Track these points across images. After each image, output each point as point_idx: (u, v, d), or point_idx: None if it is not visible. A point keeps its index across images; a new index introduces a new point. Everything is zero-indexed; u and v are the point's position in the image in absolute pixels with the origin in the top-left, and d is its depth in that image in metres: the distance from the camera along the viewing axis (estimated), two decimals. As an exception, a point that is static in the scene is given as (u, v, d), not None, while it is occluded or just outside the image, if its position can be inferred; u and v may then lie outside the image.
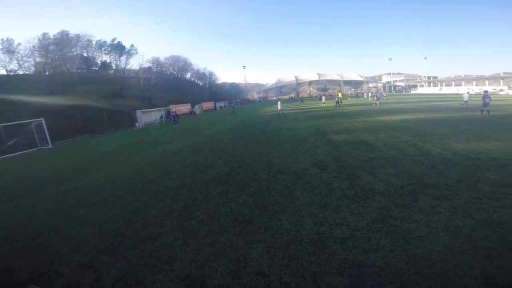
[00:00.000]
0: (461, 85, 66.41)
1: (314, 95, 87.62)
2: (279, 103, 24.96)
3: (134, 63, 59.30)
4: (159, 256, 3.53)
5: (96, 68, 61.72)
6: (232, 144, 11.63)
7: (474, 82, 66.08)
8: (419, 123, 13.35)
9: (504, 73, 62.69)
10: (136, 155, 12.15)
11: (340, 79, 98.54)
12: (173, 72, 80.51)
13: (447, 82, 73.02)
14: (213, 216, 4.58)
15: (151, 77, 59.87)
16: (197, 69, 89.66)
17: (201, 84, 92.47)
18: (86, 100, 37.76)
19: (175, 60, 79.40)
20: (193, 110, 47.39)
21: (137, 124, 31.90)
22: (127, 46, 64.55)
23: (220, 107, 67.24)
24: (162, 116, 35.78)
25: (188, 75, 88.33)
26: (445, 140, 8.98)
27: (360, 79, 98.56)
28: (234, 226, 4.12)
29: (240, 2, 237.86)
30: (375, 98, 32.25)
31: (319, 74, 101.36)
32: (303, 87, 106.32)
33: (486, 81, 63.49)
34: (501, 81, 60.53)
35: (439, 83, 76.52)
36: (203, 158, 9.53)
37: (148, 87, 57.31)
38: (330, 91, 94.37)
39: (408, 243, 3.23)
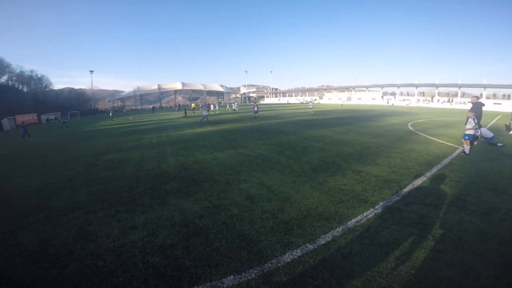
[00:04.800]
0: (292, 96, 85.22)
1: (182, 104, 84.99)
2: (205, 107, 27.21)
3: None
4: None
5: None
6: None
7: (299, 93, 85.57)
8: (208, 135, 14.37)
9: (318, 86, 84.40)
10: None
11: (204, 89, 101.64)
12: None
13: (286, 93, 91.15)
14: None
15: None
16: (21, 72, 67.11)
17: (26, 90, 69.87)
18: None
19: (-19, 58, 56.50)
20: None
21: None
22: None
23: (48, 119, 52.46)
24: None
25: (3, 79, 64.65)
26: (197, 151, 9.65)
27: (222, 90, 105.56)
28: None
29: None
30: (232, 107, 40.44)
31: (183, 84, 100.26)
32: (171, 96, 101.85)
33: (307, 93, 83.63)
34: (315, 92, 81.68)
35: (279, 94, 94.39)
36: None
37: None
38: (199, 100, 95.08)
39: None
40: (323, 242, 3.28)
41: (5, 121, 41.00)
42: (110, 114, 39.48)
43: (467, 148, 8.04)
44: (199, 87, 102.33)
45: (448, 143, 9.72)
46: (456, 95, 48.80)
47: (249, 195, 5.01)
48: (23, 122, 22.62)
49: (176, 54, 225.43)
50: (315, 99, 74.57)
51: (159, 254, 3.18)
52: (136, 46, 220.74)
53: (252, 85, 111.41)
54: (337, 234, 3.46)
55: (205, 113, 23.47)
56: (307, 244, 3.26)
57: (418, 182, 5.41)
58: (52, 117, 55.07)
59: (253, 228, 3.73)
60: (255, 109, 21.55)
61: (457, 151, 8.33)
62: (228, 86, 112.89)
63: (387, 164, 6.77)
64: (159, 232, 3.73)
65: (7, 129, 39.22)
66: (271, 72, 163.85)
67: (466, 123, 8.26)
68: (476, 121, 8.19)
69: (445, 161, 7.21)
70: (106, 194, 5.54)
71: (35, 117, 51.04)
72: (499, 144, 9.16)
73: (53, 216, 4.55)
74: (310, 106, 31.59)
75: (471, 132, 8.08)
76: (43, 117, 52.66)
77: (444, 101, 47.76)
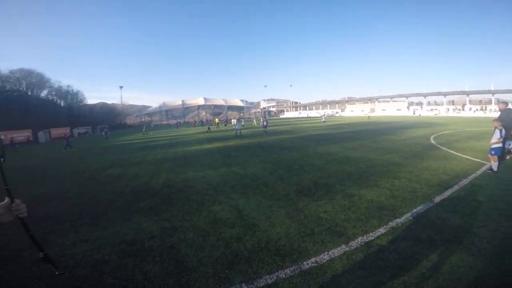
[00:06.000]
0: (312, 109, 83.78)
1: (204, 120, 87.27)
2: (234, 121, 28.72)
3: None
4: None
5: None
6: None
7: (320, 106, 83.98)
8: (212, 151, 14.24)
9: (340, 99, 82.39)
10: None
11: (225, 104, 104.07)
12: (21, 89, 63.30)
13: (308, 106, 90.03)
14: None
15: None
16: (59, 87, 73.86)
17: (63, 104, 76.40)
18: None
19: (26, 74, 63.41)
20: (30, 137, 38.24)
21: None
22: None
23: (79, 133, 56.22)
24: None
25: (44, 93, 71.35)
26: (192, 168, 9.39)
27: (242, 104, 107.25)
28: None
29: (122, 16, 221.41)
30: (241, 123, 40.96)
31: (205, 99, 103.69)
32: (195, 112, 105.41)
33: (328, 105, 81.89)
34: (337, 105, 79.61)
35: (299, 108, 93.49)
36: None
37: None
38: (221, 115, 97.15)
39: None
40: (261, 284, 2.69)
41: (40, 134, 44.57)
42: (144, 129, 44.26)
43: (494, 164, 6.79)
44: (221, 102, 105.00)
45: (474, 159, 8.40)
46: (489, 102, 44.58)
47: (215, 219, 4.54)
48: (65, 135, 24.87)
49: (199, 70, 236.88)
50: (336, 112, 72.60)
51: (88, 268, 3.22)
52: (162, 61, 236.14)
53: (272, 99, 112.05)
54: (283, 276, 2.80)
55: (237, 127, 24.06)
56: (243, 284, 2.73)
57: (420, 209, 4.46)
58: (83, 131, 59.00)
59: (198, 256, 3.35)
60: (265, 123, 21.85)
61: (483, 168, 7.09)
62: (249, 101, 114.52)
63: (389, 187, 5.82)
64: (104, 248, 3.73)
65: (42, 142, 42.56)
66: (291, 85, 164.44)
67: (493, 134, 7.05)
68: (503, 132, 6.92)
69: (465, 181, 6.08)
70: (85, 207, 5.70)
71: (68, 131, 55.06)
72: None
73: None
74: (323, 120, 31.11)
75: (499, 145, 6.84)
76: (75, 131, 56.56)
77: (477, 109, 43.81)
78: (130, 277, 2.98)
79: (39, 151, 23.75)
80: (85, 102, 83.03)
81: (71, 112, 70.04)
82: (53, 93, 73.83)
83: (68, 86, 76.17)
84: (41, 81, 68.44)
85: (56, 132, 50.55)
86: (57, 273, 1.80)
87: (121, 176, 8.91)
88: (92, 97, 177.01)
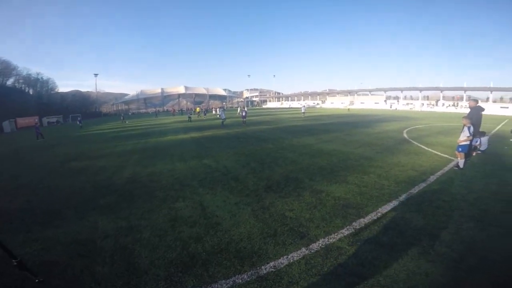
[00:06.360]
0: (294, 100, 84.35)
1: (185, 108, 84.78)
2: (220, 109, 28.06)
3: None
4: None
5: None
6: None
7: (302, 97, 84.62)
8: (185, 142, 13.71)
9: (321, 91, 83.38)
10: None
11: (207, 93, 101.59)
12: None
13: (289, 97, 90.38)
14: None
15: None
16: (28, 74, 68.55)
17: (32, 93, 71.31)
18: None
19: (-11, 62, 58.27)
20: None
21: None
22: None
23: (50, 122, 52.69)
24: None
25: (10, 81, 66.17)
26: (161, 161, 8.95)
27: (224, 94, 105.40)
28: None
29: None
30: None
31: (186, 87, 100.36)
32: (175, 100, 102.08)
33: (309, 97, 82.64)
34: (318, 97, 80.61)
35: (282, 98, 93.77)
36: None
37: None
38: (203, 104, 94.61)
39: None
40: (216, 290, 2.54)
41: (5, 124, 41.43)
42: (122, 117, 42.90)
43: (461, 161, 6.96)
44: (202, 91, 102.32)
45: (443, 154, 8.66)
46: (461, 98, 47.10)
47: (176, 217, 4.32)
48: (36, 123, 23.13)
49: (181, 59, 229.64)
50: (317, 103, 73.46)
51: (35, 269, 2.86)
52: (143, 50, 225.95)
53: (255, 89, 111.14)
54: (240, 281, 2.68)
55: (223, 116, 23.31)
56: (196, 288, 2.56)
57: (386, 208, 4.44)
58: (54, 120, 55.27)
59: (152, 257, 3.21)
60: (243, 114, 21.48)
61: (450, 165, 7.29)
62: (232, 90, 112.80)
63: (358, 182, 5.80)
64: (55, 247, 3.57)
65: (8, 131, 39.59)
66: (274, 76, 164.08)
67: (461, 132, 7.16)
68: (471, 130, 7.04)
69: (432, 178, 6.20)
70: (40, 204, 5.36)
71: (36, 120, 51.31)
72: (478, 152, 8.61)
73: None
74: (303, 111, 31.59)
75: (466, 143, 6.99)
76: (45, 120, 52.90)
77: (449, 105, 46.16)
78: (76, 278, 2.87)
79: (2, 142, 21.89)
80: (56, 90, 77.86)
81: (40, 101, 65.45)
82: (21, 81, 69.02)
83: (37, 74, 71.09)
84: (7, 69, 63.76)
85: (24, 121, 46.95)
86: (37, 281, 1.61)
87: (84, 169, 8.30)
88: (68, 85, 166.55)
